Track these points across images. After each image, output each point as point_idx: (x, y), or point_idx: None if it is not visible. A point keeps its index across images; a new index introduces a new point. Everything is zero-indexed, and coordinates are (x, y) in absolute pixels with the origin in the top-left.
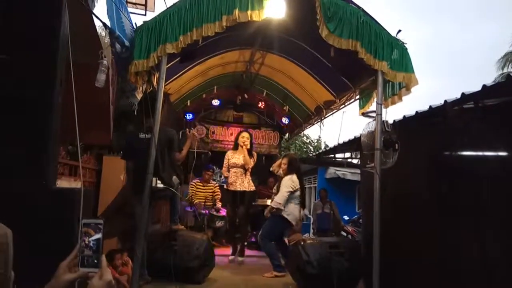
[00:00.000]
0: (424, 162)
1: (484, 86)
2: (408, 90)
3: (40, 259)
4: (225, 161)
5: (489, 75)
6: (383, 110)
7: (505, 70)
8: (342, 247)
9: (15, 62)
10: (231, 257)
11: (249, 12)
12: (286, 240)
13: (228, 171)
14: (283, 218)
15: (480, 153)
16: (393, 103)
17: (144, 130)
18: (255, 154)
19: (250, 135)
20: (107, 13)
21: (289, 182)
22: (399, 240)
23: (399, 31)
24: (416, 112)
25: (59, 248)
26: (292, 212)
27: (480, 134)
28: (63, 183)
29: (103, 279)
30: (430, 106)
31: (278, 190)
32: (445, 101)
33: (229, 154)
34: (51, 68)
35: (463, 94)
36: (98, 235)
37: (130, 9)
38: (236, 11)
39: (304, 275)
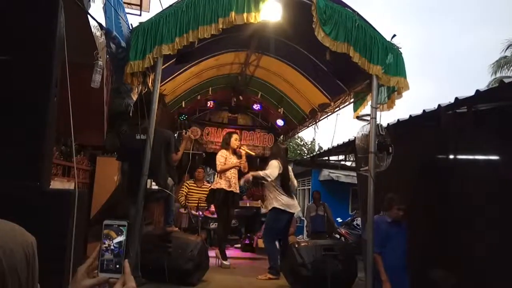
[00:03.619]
0: (418, 165)
1: (477, 91)
2: (399, 94)
3: None
4: (222, 160)
5: (486, 80)
6: (377, 113)
7: (498, 75)
8: (336, 249)
9: (10, 62)
10: (227, 263)
11: (245, 14)
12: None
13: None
14: (279, 209)
15: (472, 157)
16: (389, 107)
17: (140, 131)
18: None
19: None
20: (105, 13)
21: (276, 163)
22: None
23: (394, 35)
24: (410, 116)
25: (52, 251)
26: (281, 200)
27: (473, 138)
28: (56, 183)
29: (126, 286)
30: (424, 110)
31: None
32: (439, 105)
33: (227, 153)
34: (47, 68)
35: (456, 98)
36: (121, 238)
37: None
38: (233, 14)
39: (298, 278)
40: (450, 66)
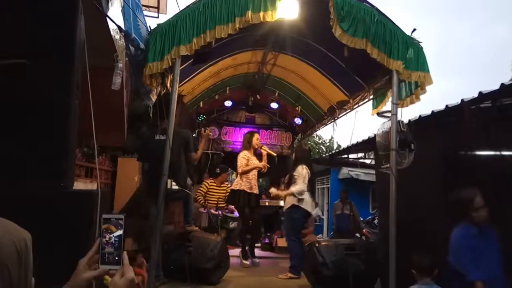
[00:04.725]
0: (440, 162)
1: (502, 85)
2: (422, 89)
3: (58, 262)
4: (244, 161)
5: (500, 75)
6: (398, 110)
7: None
8: (358, 248)
9: (33, 66)
10: (247, 262)
11: (261, 13)
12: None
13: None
14: (298, 206)
15: (497, 153)
16: (412, 102)
17: (160, 132)
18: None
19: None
20: (124, 16)
21: (305, 172)
22: (415, 241)
23: (414, 29)
24: (432, 111)
25: (77, 250)
26: (302, 198)
27: (498, 134)
28: (79, 184)
29: (125, 277)
30: (447, 106)
31: (289, 181)
32: (462, 100)
33: (249, 155)
34: (68, 71)
35: (480, 93)
36: (120, 231)
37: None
38: (249, 13)
39: (319, 277)
40: (464, 62)
